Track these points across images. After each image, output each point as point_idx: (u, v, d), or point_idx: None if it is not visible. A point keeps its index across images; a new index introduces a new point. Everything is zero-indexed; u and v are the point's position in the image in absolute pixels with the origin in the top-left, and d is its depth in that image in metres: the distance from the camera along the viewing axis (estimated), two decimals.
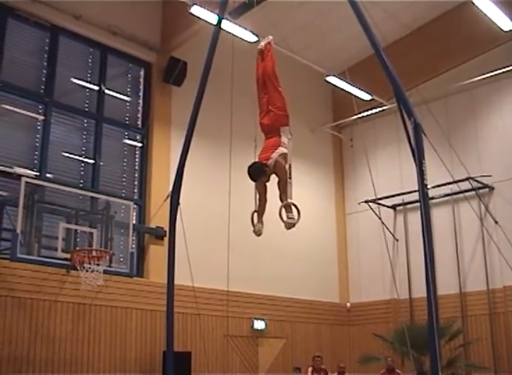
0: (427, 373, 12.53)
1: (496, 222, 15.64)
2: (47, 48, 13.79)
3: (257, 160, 8.21)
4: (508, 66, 15.98)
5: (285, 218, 7.88)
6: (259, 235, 8.35)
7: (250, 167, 8.02)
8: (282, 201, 7.99)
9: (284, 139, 8.36)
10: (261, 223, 8.36)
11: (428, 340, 6.38)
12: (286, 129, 8.46)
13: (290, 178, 8.11)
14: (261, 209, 8.41)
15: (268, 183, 8.28)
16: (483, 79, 16.44)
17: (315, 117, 19.48)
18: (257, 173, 8.00)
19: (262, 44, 9.10)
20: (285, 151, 8.25)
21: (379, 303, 18.24)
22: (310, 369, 15.27)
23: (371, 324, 17.98)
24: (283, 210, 7.89)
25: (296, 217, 7.87)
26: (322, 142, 19.64)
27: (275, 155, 8.13)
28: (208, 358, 13.73)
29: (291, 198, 7.95)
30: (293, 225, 7.93)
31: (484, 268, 16.42)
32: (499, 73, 16.17)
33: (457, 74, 17.07)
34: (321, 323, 17.90)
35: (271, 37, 9.09)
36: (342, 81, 16.77)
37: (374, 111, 18.16)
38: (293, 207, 7.90)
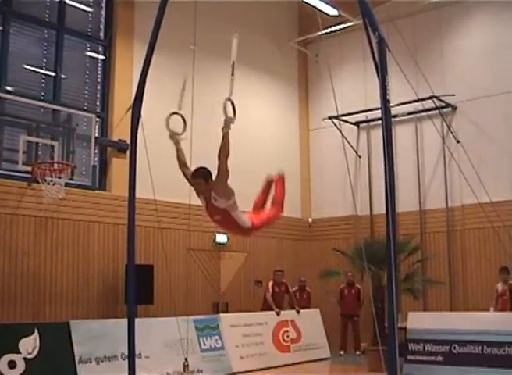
0: (385, 287, 12.84)
1: (458, 141, 15.78)
2: None
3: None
4: None
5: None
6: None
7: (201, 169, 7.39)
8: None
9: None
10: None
11: (386, 255, 6.48)
12: None
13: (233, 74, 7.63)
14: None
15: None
16: None
17: (281, 32, 19.23)
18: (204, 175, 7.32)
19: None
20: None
21: (340, 219, 18.47)
22: (271, 283, 15.57)
23: (332, 240, 18.22)
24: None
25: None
26: (287, 57, 19.46)
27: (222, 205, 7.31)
28: (171, 272, 13.87)
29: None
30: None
31: (444, 186, 16.68)
32: None
33: None
34: (282, 237, 18.12)
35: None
36: None
37: (340, 27, 17.98)
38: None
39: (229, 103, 7.33)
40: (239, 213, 7.48)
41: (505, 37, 16.23)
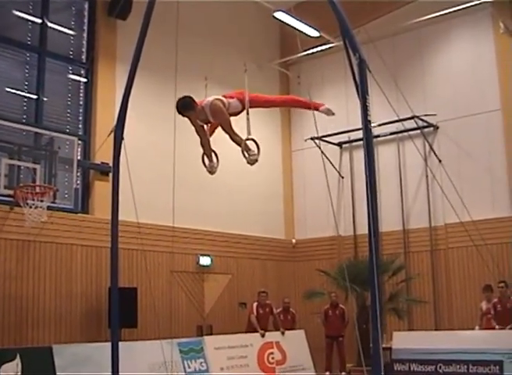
0: (369, 307, 12.87)
1: (440, 161, 15.90)
2: None
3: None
4: (455, 6, 16.00)
5: (246, 155, 7.89)
6: (213, 173, 8.42)
7: (178, 100, 7.99)
8: (236, 142, 7.94)
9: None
10: (213, 161, 8.39)
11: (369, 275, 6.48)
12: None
13: (248, 113, 8.08)
14: (206, 150, 8.41)
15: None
16: (431, 18, 16.45)
17: (263, 54, 19.29)
18: (184, 106, 7.95)
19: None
20: (222, 98, 8.12)
21: (324, 240, 18.46)
22: (255, 304, 15.49)
23: (316, 260, 18.23)
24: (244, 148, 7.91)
25: (256, 152, 7.88)
26: (269, 79, 19.49)
27: (210, 98, 8.05)
28: (154, 294, 13.80)
29: (250, 134, 7.95)
30: (256, 160, 7.94)
31: (427, 206, 16.73)
32: (447, 13, 16.19)
33: (405, 13, 17.03)
34: (266, 259, 18.08)
35: None
36: (290, 17, 16.60)
37: (321, 48, 18.08)
38: (252, 142, 7.88)
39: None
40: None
41: (484, 56, 16.40)
